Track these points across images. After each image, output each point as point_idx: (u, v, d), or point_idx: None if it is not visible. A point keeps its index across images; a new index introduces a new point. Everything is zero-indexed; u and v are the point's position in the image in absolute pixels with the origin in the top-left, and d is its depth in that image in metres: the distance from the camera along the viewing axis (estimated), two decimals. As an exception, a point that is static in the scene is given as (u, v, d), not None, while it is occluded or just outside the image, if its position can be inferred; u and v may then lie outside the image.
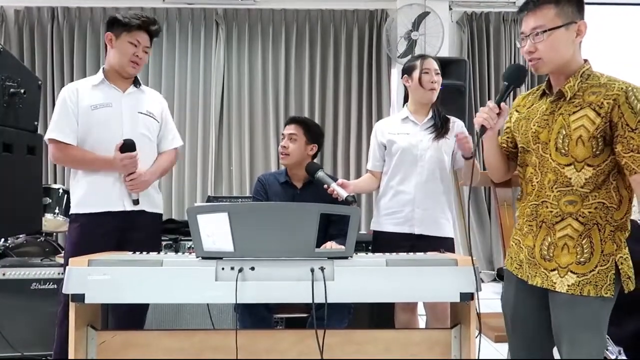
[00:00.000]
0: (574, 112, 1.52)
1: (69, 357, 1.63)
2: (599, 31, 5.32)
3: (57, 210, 3.56)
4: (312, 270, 1.58)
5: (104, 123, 2.17)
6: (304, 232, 1.60)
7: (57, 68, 5.15)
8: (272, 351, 1.78)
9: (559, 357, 1.61)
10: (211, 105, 5.28)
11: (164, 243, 2.78)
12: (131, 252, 1.93)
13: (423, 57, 2.42)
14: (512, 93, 1.74)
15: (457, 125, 2.41)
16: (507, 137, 1.79)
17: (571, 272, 1.53)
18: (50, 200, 3.55)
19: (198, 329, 2.43)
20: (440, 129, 2.35)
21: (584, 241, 1.52)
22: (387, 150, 2.42)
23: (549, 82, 1.64)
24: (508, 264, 1.76)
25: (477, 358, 1.69)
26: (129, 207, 2.17)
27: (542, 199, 1.59)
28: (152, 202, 2.28)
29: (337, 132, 5.35)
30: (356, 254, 1.76)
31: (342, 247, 2.12)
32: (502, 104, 1.64)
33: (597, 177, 1.51)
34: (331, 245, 2.30)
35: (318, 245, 1.67)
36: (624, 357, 1.99)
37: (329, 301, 1.56)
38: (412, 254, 2.02)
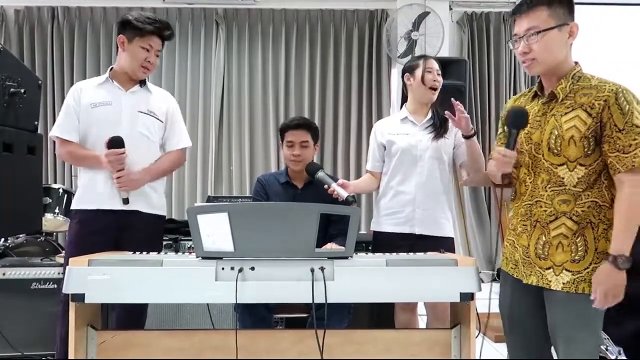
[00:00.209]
0: (565, 113, 1.55)
1: (69, 357, 1.63)
2: (597, 31, 5.34)
3: (57, 210, 3.56)
4: (312, 270, 1.58)
5: (103, 121, 2.18)
6: (304, 232, 1.60)
7: (57, 68, 5.15)
8: (272, 351, 1.78)
9: (556, 357, 1.62)
10: (211, 105, 5.28)
11: (164, 243, 2.78)
12: (131, 252, 1.93)
13: (425, 57, 2.44)
14: (510, 93, 1.75)
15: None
16: (502, 143, 1.81)
17: (566, 270, 1.55)
18: (51, 200, 3.55)
19: (198, 328, 2.43)
20: (439, 128, 2.36)
21: (578, 240, 1.54)
22: (386, 150, 2.42)
23: (540, 84, 1.67)
24: (503, 264, 1.77)
25: (477, 358, 1.69)
26: (119, 206, 2.16)
27: (536, 198, 1.61)
28: (149, 202, 2.24)
29: (337, 132, 5.35)
30: (356, 254, 1.76)
31: (342, 248, 2.13)
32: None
33: (590, 177, 1.54)
34: (331, 247, 2.30)
35: (318, 245, 1.67)
36: (624, 357, 2.00)
37: (329, 301, 1.56)
38: (412, 254, 2.02)
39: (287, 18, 5.34)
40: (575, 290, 1.52)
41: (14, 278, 2.68)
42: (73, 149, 2.21)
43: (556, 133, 1.55)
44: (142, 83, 2.29)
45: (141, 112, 2.24)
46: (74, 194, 2.30)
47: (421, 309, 2.49)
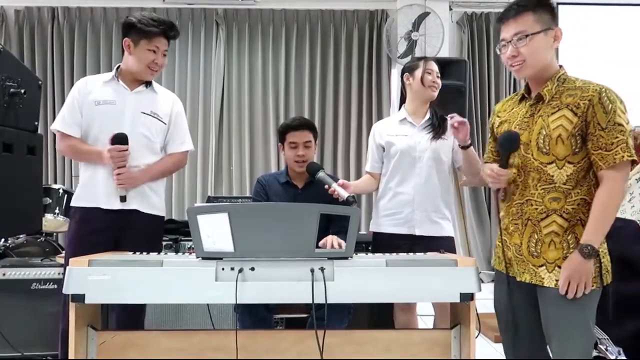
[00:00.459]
0: (552, 113, 1.61)
1: (69, 357, 1.63)
2: (587, 31, 5.35)
3: (57, 211, 3.57)
4: (312, 271, 1.58)
5: (105, 120, 2.17)
6: (304, 233, 1.60)
7: (57, 68, 5.15)
8: (272, 351, 1.78)
9: (550, 353, 1.64)
10: (211, 106, 5.28)
11: (163, 243, 2.78)
12: (131, 253, 1.93)
13: (426, 58, 2.46)
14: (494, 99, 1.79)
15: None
16: (492, 148, 1.87)
17: (558, 267, 1.58)
18: (51, 201, 3.55)
19: (198, 329, 2.43)
20: (438, 128, 2.36)
21: (569, 237, 1.59)
22: (385, 152, 2.42)
23: (527, 87, 1.73)
24: (496, 263, 1.81)
25: (476, 358, 1.69)
26: (117, 205, 2.15)
27: (527, 197, 1.65)
28: (148, 202, 2.23)
29: (337, 132, 5.35)
30: (356, 254, 1.76)
31: (343, 242, 2.13)
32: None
33: (578, 174, 1.59)
34: (332, 239, 2.30)
35: (318, 241, 1.66)
36: (624, 357, 2.00)
37: (328, 301, 1.56)
38: (411, 254, 2.02)
39: (287, 18, 5.34)
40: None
41: (14, 278, 2.68)
42: (75, 143, 2.20)
43: (544, 132, 1.60)
44: (148, 84, 2.28)
45: (144, 113, 2.22)
46: (74, 194, 2.28)
47: (421, 310, 2.49)
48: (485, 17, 5.41)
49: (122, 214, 2.16)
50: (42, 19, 5.18)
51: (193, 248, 1.64)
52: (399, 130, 2.41)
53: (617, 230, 2.38)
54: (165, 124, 2.29)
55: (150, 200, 2.25)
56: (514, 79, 5.43)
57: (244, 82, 5.32)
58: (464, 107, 4.13)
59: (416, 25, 5.04)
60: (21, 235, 3.33)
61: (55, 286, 2.63)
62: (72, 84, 2.30)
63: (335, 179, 2.31)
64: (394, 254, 1.93)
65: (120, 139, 2.12)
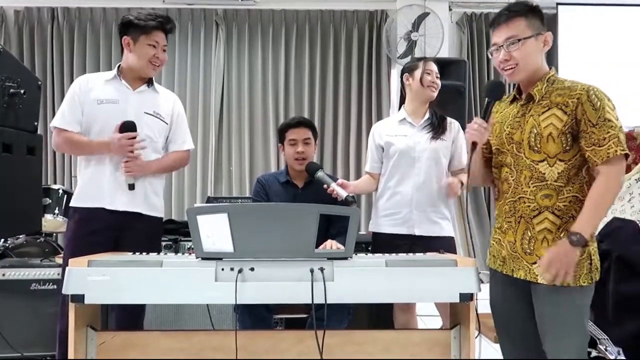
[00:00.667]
0: (543, 112, 1.65)
1: (69, 358, 1.63)
2: (596, 32, 5.35)
3: (56, 211, 3.56)
4: (312, 271, 1.58)
5: (107, 119, 2.15)
6: (303, 233, 1.60)
7: (57, 68, 5.16)
8: (271, 351, 1.78)
9: (545, 349, 1.65)
10: (211, 106, 5.29)
11: (163, 244, 2.78)
12: (131, 253, 1.93)
13: (425, 59, 2.47)
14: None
15: (454, 126, 2.43)
16: (483, 146, 1.88)
17: None
18: (50, 201, 3.55)
19: (198, 329, 2.43)
20: (437, 127, 2.37)
21: (562, 234, 1.61)
22: (384, 152, 2.43)
23: (518, 89, 1.77)
24: (491, 262, 1.83)
25: (476, 358, 1.69)
26: (122, 207, 2.15)
27: (519, 195, 1.68)
28: (150, 204, 2.24)
29: (337, 132, 5.35)
30: (356, 254, 1.76)
31: (342, 246, 2.13)
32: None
33: (569, 171, 1.62)
34: (331, 244, 2.30)
35: (317, 245, 1.67)
36: (623, 358, 2.00)
37: (328, 302, 1.56)
38: (411, 254, 2.02)
39: (287, 19, 5.34)
40: (561, 283, 1.57)
41: (14, 279, 2.68)
42: (74, 135, 2.16)
43: (535, 131, 1.64)
44: (150, 83, 2.28)
45: (147, 113, 2.22)
46: (73, 194, 2.25)
47: (421, 310, 2.49)
48: (485, 17, 5.40)
49: (124, 215, 2.15)
50: (41, 20, 5.18)
51: (193, 248, 1.64)
52: (398, 130, 2.42)
53: (617, 230, 2.40)
54: (167, 124, 2.30)
55: (151, 201, 2.25)
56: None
57: (243, 83, 5.33)
58: (463, 108, 4.13)
59: (416, 25, 5.04)
60: (21, 236, 3.33)
61: (55, 286, 2.63)
62: (71, 84, 2.27)
63: (335, 179, 2.31)
64: (394, 254, 1.93)
65: (128, 127, 2.11)
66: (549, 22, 5.31)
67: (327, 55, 5.37)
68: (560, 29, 5.25)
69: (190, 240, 2.75)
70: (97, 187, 2.15)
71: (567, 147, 1.61)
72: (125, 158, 2.12)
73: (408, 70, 2.44)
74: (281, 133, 2.58)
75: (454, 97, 3.99)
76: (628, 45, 5.31)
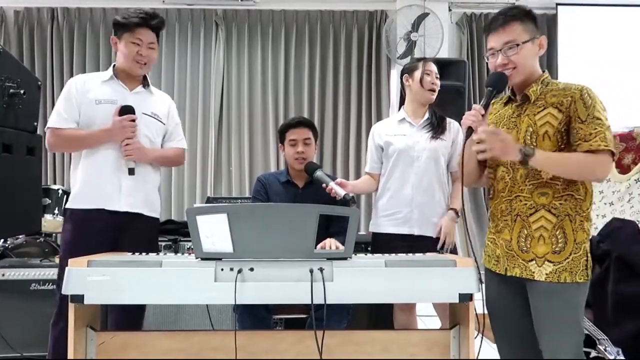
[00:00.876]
0: (538, 112, 1.68)
1: (68, 358, 1.63)
2: (594, 32, 5.35)
3: (56, 211, 3.56)
4: (311, 271, 1.58)
5: (106, 119, 2.13)
6: (303, 233, 1.60)
7: (57, 69, 5.16)
8: (271, 352, 1.78)
9: (540, 346, 1.67)
10: (211, 106, 5.29)
11: (163, 244, 2.78)
12: (130, 253, 1.93)
13: (425, 59, 2.47)
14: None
15: (453, 126, 2.43)
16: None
17: (548, 261, 1.63)
18: (50, 201, 3.55)
19: (197, 329, 2.44)
20: (436, 127, 2.37)
21: (557, 232, 1.64)
22: (384, 152, 2.43)
23: (512, 91, 1.80)
24: (485, 261, 1.84)
25: (476, 358, 1.69)
26: (124, 207, 2.14)
27: (516, 193, 1.70)
28: (150, 205, 2.23)
29: (336, 132, 5.35)
30: (355, 254, 1.76)
31: (341, 245, 2.13)
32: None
33: None
34: (330, 243, 2.30)
35: (317, 244, 1.66)
36: (623, 358, 2.00)
37: (328, 302, 1.56)
38: (411, 254, 2.02)
39: (287, 19, 5.35)
40: (557, 279, 1.61)
41: (14, 279, 2.68)
42: (70, 131, 2.13)
43: (531, 130, 1.67)
44: (146, 84, 2.27)
45: (145, 114, 2.22)
46: (70, 195, 2.22)
47: (421, 310, 2.49)
48: (485, 18, 5.40)
49: (125, 215, 2.14)
50: (41, 20, 5.18)
51: (192, 249, 1.64)
52: (397, 130, 2.42)
53: (617, 230, 2.40)
54: (164, 124, 2.30)
55: (151, 201, 2.25)
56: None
57: (243, 83, 5.33)
58: (463, 108, 4.14)
59: (415, 26, 5.04)
60: (20, 236, 3.33)
61: (55, 287, 2.63)
62: (65, 85, 2.25)
63: (334, 179, 2.31)
64: (393, 254, 1.93)
65: (128, 110, 2.11)
66: (549, 23, 5.34)
67: (326, 56, 5.37)
68: (559, 30, 5.26)
69: (189, 241, 2.75)
70: (99, 187, 2.13)
71: (562, 146, 1.64)
72: (125, 142, 2.11)
73: (408, 71, 2.44)
74: (281, 133, 2.58)
75: (453, 97, 4.00)
76: (627, 45, 5.32)
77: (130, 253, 1.93)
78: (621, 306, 2.22)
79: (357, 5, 5.38)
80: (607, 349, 2.01)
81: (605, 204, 3.15)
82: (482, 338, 1.70)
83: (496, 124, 1.79)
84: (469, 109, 1.75)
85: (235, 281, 1.56)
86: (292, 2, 5.34)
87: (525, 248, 1.67)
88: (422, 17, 5.04)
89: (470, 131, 1.68)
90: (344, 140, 5.35)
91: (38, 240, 3.43)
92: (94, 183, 2.14)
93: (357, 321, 2.58)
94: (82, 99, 2.17)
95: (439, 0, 5.24)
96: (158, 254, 2.01)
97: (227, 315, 2.63)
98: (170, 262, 1.63)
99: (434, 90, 2.40)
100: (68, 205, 2.18)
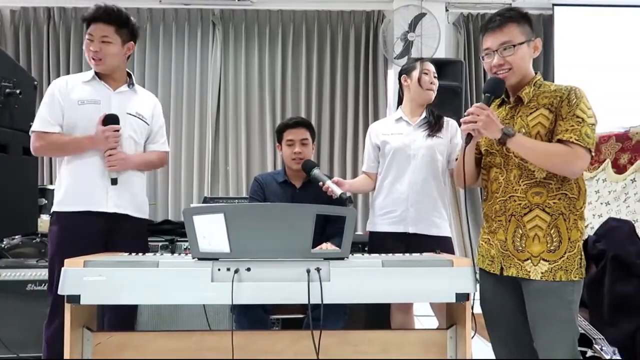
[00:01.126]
0: (531, 113, 1.70)
1: (64, 358, 1.63)
2: (592, 33, 5.37)
3: (52, 211, 3.55)
4: (308, 271, 1.58)
5: (90, 120, 2.09)
6: (300, 233, 1.60)
7: (53, 68, 5.14)
8: (268, 352, 1.78)
9: (535, 344, 1.68)
10: (208, 106, 5.28)
11: (159, 244, 2.78)
12: (127, 254, 1.92)
13: (422, 59, 2.47)
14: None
15: (451, 125, 2.43)
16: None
17: (543, 260, 1.65)
18: (46, 201, 3.53)
19: (194, 329, 2.42)
20: (434, 125, 2.37)
21: (552, 231, 1.65)
22: (380, 151, 2.43)
23: (507, 92, 1.81)
24: (480, 262, 1.85)
25: (472, 358, 1.70)
26: (111, 208, 2.11)
27: (510, 193, 1.72)
28: (138, 206, 2.21)
29: (333, 132, 5.36)
30: (352, 254, 1.76)
31: (338, 249, 2.13)
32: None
33: None
34: (327, 247, 2.30)
35: (315, 245, 1.67)
36: (619, 357, 2.00)
37: (325, 302, 1.56)
38: (407, 254, 2.02)
39: (284, 19, 5.35)
40: (553, 278, 1.62)
41: (9, 279, 2.67)
42: (55, 136, 2.09)
43: (524, 131, 1.68)
44: (130, 84, 2.23)
45: (129, 113, 2.18)
46: (55, 198, 2.16)
47: (418, 310, 2.49)
48: (482, 18, 5.41)
49: (114, 217, 2.11)
50: (37, 19, 5.17)
51: (189, 249, 1.64)
52: (394, 129, 2.42)
53: (612, 230, 2.41)
54: (148, 124, 2.26)
55: (137, 202, 2.22)
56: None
57: (240, 83, 5.32)
58: (460, 108, 4.14)
59: (412, 26, 5.05)
60: (16, 236, 3.32)
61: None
62: (48, 88, 2.21)
63: (331, 178, 2.31)
64: (390, 254, 1.94)
65: (112, 119, 2.08)
66: (545, 23, 5.36)
67: (323, 56, 5.37)
68: (556, 30, 5.28)
69: (186, 241, 2.74)
70: (84, 190, 2.09)
71: None
72: (107, 152, 2.07)
73: (405, 71, 2.44)
74: (279, 133, 2.58)
75: (450, 97, 4.00)
76: (624, 46, 5.34)
77: (127, 253, 1.93)
78: (617, 306, 2.23)
79: (354, 5, 5.39)
80: (603, 348, 2.02)
81: (601, 203, 3.16)
82: (473, 336, 1.70)
83: None
84: (466, 109, 1.75)
85: (232, 281, 1.56)
86: (289, 2, 5.34)
87: (520, 247, 1.68)
88: (419, 17, 5.05)
89: (469, 138, 1.70)
90: (341, 140, 5.35)
91: (34, 241, 3.42)
92: (79, 185, 2.10)
93: (354, 321, 2.58)
94: (65, 100, 2.12)
95: (436, 0, 5.25)
96: (154, 254, 2.01)
97: (224, 316, 2.62)
98: (167, 262, 1.63)
99: (432, 90, 2.40)
100: (54, 209, 2.13)
